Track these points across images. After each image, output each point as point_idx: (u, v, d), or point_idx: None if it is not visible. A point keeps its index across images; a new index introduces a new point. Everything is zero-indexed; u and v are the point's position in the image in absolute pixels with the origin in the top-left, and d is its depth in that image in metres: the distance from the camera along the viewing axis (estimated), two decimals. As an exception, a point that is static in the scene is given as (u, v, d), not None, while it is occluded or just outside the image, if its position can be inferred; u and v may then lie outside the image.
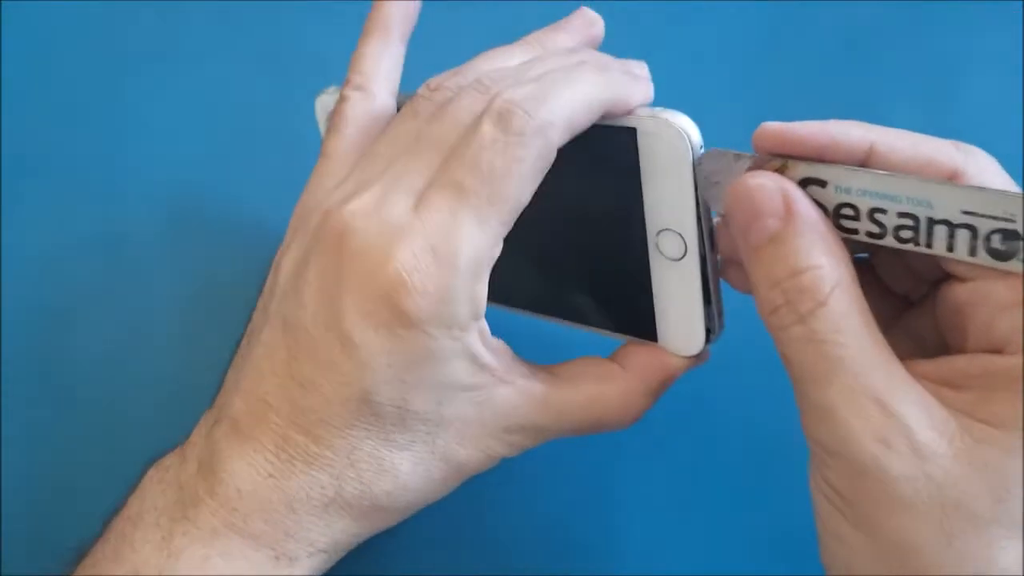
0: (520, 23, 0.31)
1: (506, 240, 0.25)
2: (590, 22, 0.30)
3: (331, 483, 0.25)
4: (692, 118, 0.25)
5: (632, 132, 0.26)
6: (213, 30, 0.47)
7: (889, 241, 0.22)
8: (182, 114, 0.45)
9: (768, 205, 0.23)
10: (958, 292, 0.23)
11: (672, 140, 0.25)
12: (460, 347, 0.25)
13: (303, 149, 0.43)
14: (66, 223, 0.42)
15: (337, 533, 0.26)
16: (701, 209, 0.26)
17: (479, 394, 0.26)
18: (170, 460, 0.27)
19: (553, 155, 0.24)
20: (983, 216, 0.21)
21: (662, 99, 0.40)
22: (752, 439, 0.35)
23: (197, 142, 0.44)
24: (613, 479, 0.35)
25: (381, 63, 0.30)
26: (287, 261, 0.27)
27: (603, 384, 0.28)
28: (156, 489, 0.26)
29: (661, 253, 0.27)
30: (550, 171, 0.25)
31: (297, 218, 0.28)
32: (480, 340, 0.26)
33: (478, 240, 0.24)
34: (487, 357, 0.26)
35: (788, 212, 0.22)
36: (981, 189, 0.21)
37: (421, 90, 0.28)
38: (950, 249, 0.21)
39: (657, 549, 0.34)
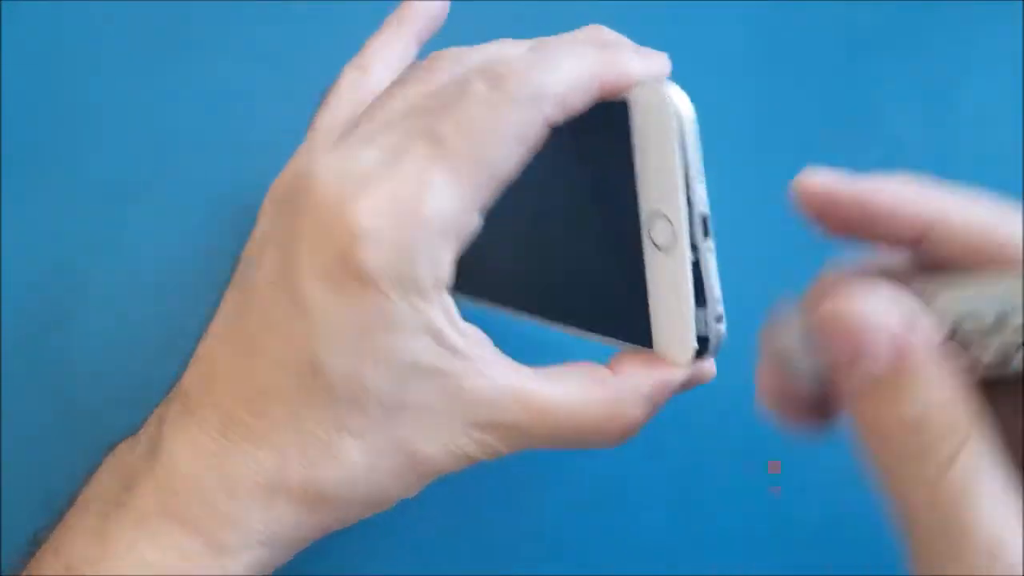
0: (523, 23, 0.31)
1: (493, 230, 0.24)
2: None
3: (274, 465, 0.23)
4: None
5: (624, 106, 0.24)
6: (215, 30, 0.47)
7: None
8: (183, 113, 0.45)
9: (874, 343, 0.17)
10: None
11: (657, 107, 0.23)
12: (422, 321, 0.23)
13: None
14: (66, 223, 0.42)
15: (280, 525, 0.23)
16: (691, 191, 0.23)
17: (448, 381, 0.23)
18: (125, 443, 0.26)
19: (543, 131, 0.23)
20: None
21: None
22: (752, 438, 0.35)
23: (198, 141, 0.44)
24: (612, 478, 0.35)
25: (385, 50, 0.29)
26: (258, 226, 0.26)
27: (591, 387, 0.25)
28: (105, 471, 0.25)
29: (653, 242, 0.24)
30: (542, 155, 0.23)
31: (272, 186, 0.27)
32: (445, 318, 0.23)
33: (448, 198, 0.22)
34: (455, 339, 0.24)
35: (901, 356, 0.17)
36: None
37: (415, 63, 0.27)
38: None
39: (658, 549, 0.34)
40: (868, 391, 0.18)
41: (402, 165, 0.22)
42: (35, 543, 0.26)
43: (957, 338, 0.17)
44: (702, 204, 0.23)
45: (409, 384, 0.23)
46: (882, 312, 0.17)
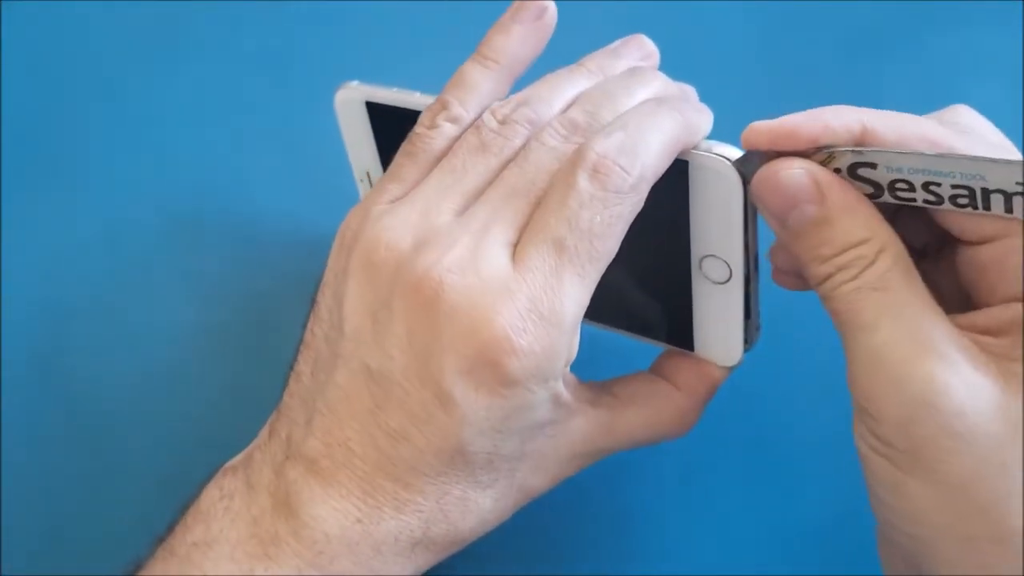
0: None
1: None
2: (647, 53, 0.30)
3: (419, 526, 0.26)
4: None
5: (683, 164, 0.26)
6: (213, 30, 0.47)
7: (947, 207, 0.23)
8: (182, 114, 0.45)
9: (803, 193, 0.24)
10: (982, 252, 0.24)
11: (725, 176, 0.25)
12: (550, 394, 0.26)
13: (302, 149, 0.43)
14: (66, 223, 0.42)
15: (418, 568, 0.26)
16: (749, 237, 0.26)
17: (555, 427, 0.27)
18: (232, 484, 0.26)
19: (642, 204, 0.25)
20: None
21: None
22: (752, 436, 0.35)
23: (197, 142, 0.44)
24: (611, 477, 0.35)
25: (485, 100, 0.28)
26: (354, 301, 0.26)
27: (660, 405, 0.29)
28: (223, 517, 0.26)
29: (705, 276, 0.28)
30: None
31: (357, 251, 0.26)
32: (563, 382, 0.26)
33: (580, 297, 0.24)
34: (565, 395, 0.27)
35: (823, 197, 0.24)
36: None
37: (487, 119, 0.27)
38: (1008, 211, 0.22)
39: (657, 548, 0.34)
40: (805, 229, 0.24)
41: (534, 274, 0.24)
42: (133, 570, 0.26)
43: (897, 186, 0.23)
44: (755, 245, 0.27)
45: (531, 439, 0.26)
46: (802, 173, 0.24)
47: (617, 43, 0.30)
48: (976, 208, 0.23)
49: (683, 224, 0.27)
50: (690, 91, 0.30)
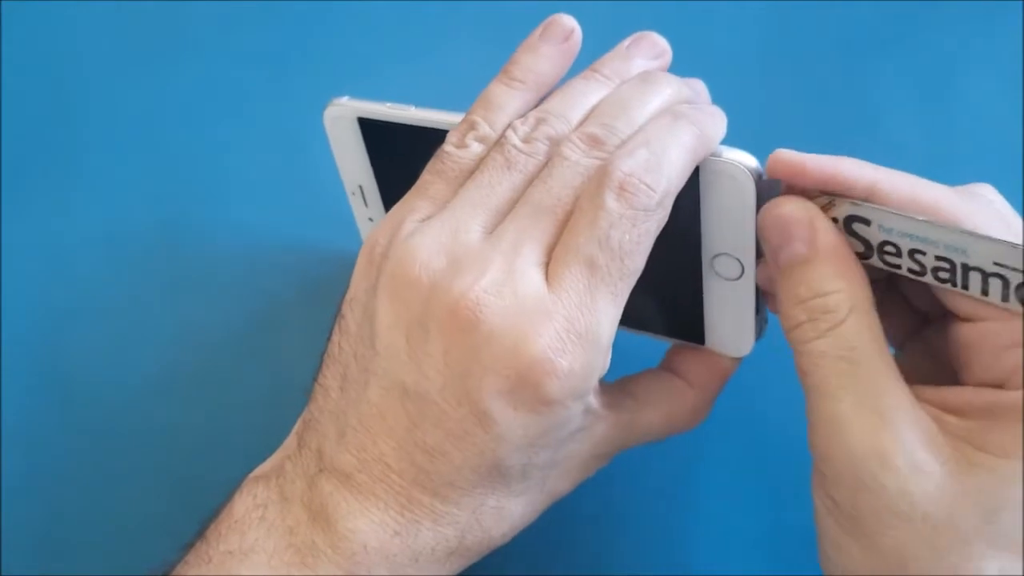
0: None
1: None
2: (659, 52, 0.30)
3: (455, 536, 0.26)
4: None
5: (695, 168, 0.26)
6: (214, 30, 0.47)
7: (928, 279, 0.24)
8: (181, 115, 0.45)
9: (798, 230, 0.25)
10: (965, 331, 0.24)
11: (739, 181, 0.26)
12: (584, 406, 0.26)
13: (302, 149, 0.43)
14: (66, 223, 0.42)
15: (451, 572, 0.27)
16: (759, 235, 0.27)
17: (583, 433, 0.28)
18: (265, 494, 0.27)
19: (667, 218, 0.25)
20: (1012, 269, 0.22)
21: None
22: (753, 436, 0.35)
23: (196, 143, 0.44)
24: (610, 475, 0.35)
25: (512, 120, 0.28)
26: (386, 319, 0.26)
27: (675, 401, 0.30)
28: (259, 527, 0.26)
29: (716, 273, 0.28)
30: None
31: (389, 269, 0.26)
32: (593, 392, 0.27)
33: (613, 314, 0.25)
34: (595, 403, 0.27)
35: (812, 239, 0.25)
36: (1014, 246, 0.22)
37: (510, 136, 0.27)
38: (984, 293, 0.23)
39: (660, 549, 0.34)
40: (791, 267, 0.25)
41: (568, 294, 0.25)
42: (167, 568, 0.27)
43: (886, 248, 0.24)
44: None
45: (562, 448, 0.27)
46: (801, 213, 0.25)
47: (628, 41, 0.30)
48: (955, 285, 0.23)
49: (695, 225, 0.28)
50: (701, 89, 0.30)
